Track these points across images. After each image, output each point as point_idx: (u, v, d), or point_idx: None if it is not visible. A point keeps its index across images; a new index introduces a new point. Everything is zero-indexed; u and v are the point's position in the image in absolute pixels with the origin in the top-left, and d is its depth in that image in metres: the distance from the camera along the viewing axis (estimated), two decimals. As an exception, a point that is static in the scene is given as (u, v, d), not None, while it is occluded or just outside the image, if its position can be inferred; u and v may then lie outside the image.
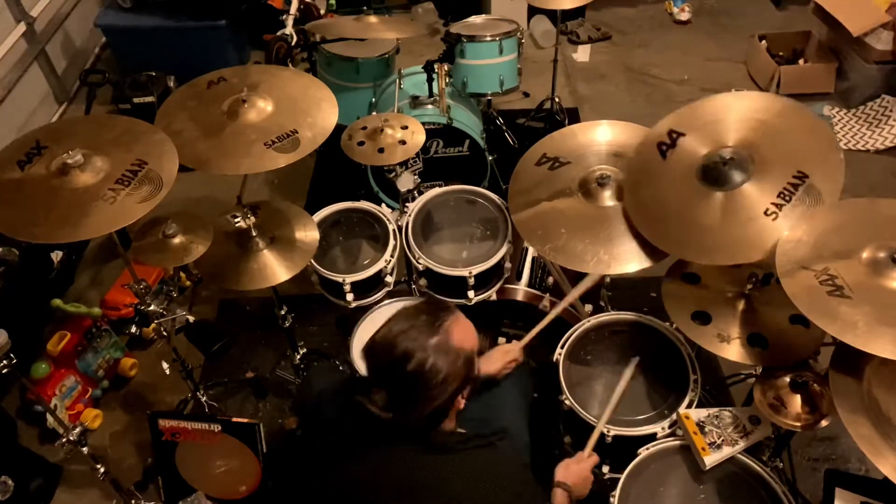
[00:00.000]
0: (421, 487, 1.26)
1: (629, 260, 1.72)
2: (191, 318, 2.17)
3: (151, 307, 2.02)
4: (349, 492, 1.30)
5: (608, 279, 2.31)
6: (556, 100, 3.65)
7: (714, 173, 1.65)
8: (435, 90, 2.95)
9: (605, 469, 1.78)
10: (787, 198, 1.55)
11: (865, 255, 1.41)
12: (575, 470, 1.57)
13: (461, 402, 1.31)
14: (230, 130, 1.81)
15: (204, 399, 2.44)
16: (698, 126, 1.78)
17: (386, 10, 4.83)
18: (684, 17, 4.65)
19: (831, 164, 1.57)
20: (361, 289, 2.13)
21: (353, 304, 2.14)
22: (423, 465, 1.28)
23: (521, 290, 2.22)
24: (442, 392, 1.25)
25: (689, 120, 1.80)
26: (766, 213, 1.55)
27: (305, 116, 1.86)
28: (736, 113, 1.76)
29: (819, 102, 3.82)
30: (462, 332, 1.32)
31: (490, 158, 3.07)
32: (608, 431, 1.67)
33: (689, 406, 1.69)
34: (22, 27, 3.63)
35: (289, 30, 4.12)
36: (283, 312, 2.25)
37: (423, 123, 2.31)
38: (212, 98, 1.90)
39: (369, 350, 1.28)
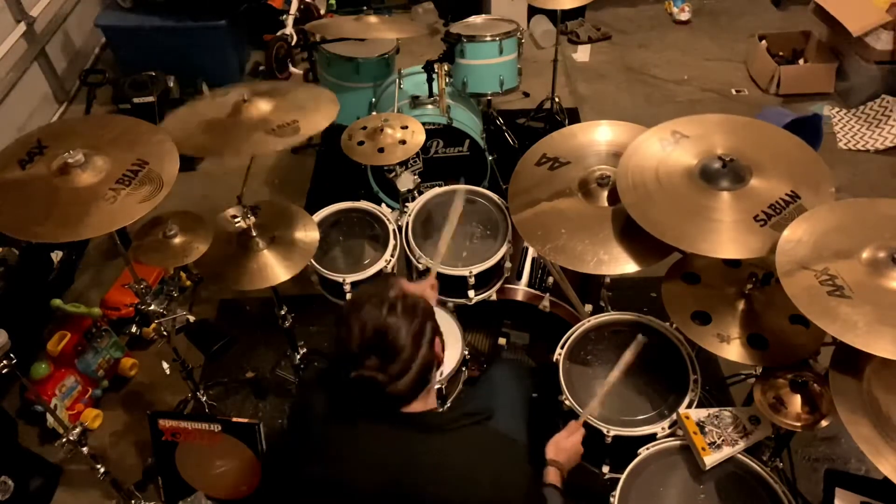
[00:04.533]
0: (415, 467, 1.27)
1: (629, 260, 1.72)
2: (191, 318, 2.17)
3: (151, 307, 2.02)
4: (343, 479, 1.31)
5: (608, 279, 2.32)
6: (556, 100, 3.65)
7: (714, 173, 1.69)
8: (435, 90, 2.95)
9: (605, 469, 1.79)
10: (778, 210, 1.60)
11: (865, 255, 1.41)
12: (565, 447, 1.62)
13: (441, 354, 1.35)
14: (232, 125, 1.82)
15: (204, 399, 2.44)
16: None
17: (386, 10, 4.83)
18: (684, 17, 4.66)
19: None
20: (361, 289, 2.13)
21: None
22: (414, 445, 1.28)
23: (521, 289, 2.22)
24: (420, 338, 1.27)
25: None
26: (755, 218, 1.58)
27: (305, 112, 1.86)
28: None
29: (819, 102, 3.83)
30: (410, 285, 1.37)
31: (490, 158, 3.07)
32: (608, 432, 1.67)
33: (689, 406, 1.69)
34: (22, 27, 3.63)
35: (289, 30, 4.13)
36: (283, 312, 2.25)
37: (423, 123, 2.31)
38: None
39: (343, 328, 1.29)
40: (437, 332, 1.34)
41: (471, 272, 2.01)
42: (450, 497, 1.25)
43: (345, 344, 1.26)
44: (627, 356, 1.70)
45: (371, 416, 1.31)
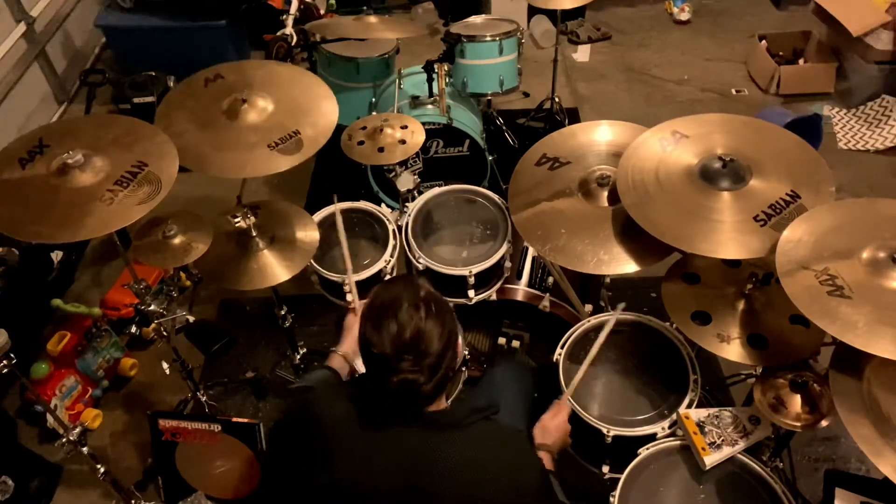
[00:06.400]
0: (424, 467, 1.27)
1: (629, 260, 1.72)
2: (191, 318, 2.17)
3: (151, 307, 2.02)
4: (361, 481, 1.31)
5: (608, 279, 2.31)
6: (556, 100, 3.65)
7: (714, 173, 1.69)
8: (435, 90, 2.95)
9: (605, 469, 1.78)
10: (778, 210, 1.59)
11: (865, 255, 1.41)
12: (552, 428, 1.63)
13: (461, 354, 1.37)
14: (232, 131, 1.81)
15: (204, 399, 2.44)
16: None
17: (386, 10, 4.83)
18: (684, 17, 4.66)
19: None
20: (362, 289, 2.12)
21: (353, 305, 2.14)
22: (429, 443, 1.29)
23: (521, 289, 2.22)
24: (448, 339, 1.27)
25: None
26: (755, 218, 1.58)
27: (306, 115, 1.86)
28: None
29: (819, 102, 3.83)
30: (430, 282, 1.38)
31: (490, 158, 3.07)
32: (608, 432, 1.67)
33: (689, 406, 1.69)
34: (22, 27, 3.63)
35: (289, 30, 4.13)
36: (283, 312, 2.25)
37: (423, 123, 2.31)
38: (210, 97, 1.90)
39: (375, 331, 1.26)
40: (459, 332, 1.35)
41: (471, 272, 2.01)
42: (469, 493, 1.26)
43: (376, 346, 1.25)
44: (607, 327, 1.74)
45: (387, 417, 1.31)
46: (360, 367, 1.71)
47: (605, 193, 1.84)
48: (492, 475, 1.27)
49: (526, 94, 3.97)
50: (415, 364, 1.23)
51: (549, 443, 1.61)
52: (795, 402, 1.52)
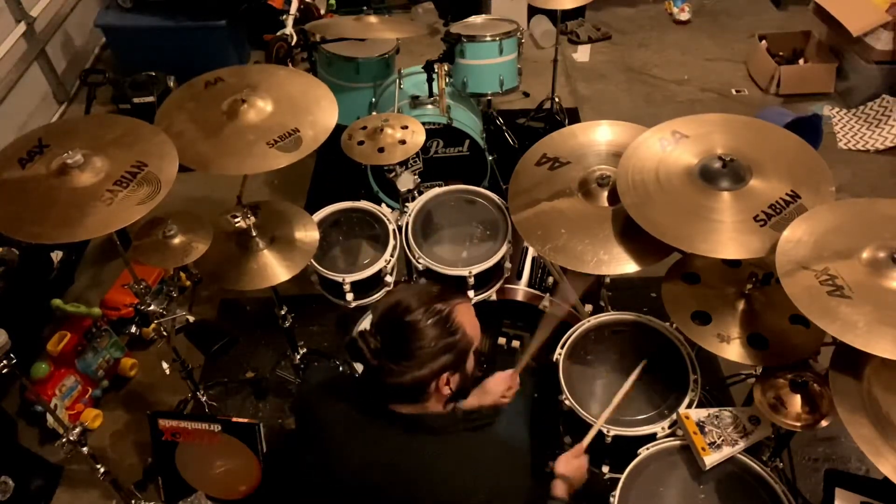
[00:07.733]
0: (409, 469, 1.27)
1: (629, 260, 1.72)
2: (191, 318, 2.17)
3: (151, 307, 2.02)
4: (342, 480, 1.31)
5: (608, 279, 2.31)
6: (556, 100, 3.65)
7: (714, 173, 1.69)
8: (435, 90, 2.95)
9: (605, 469, 1.78)
10: (778, 210, 1.59)
11: (865, 255, 1.41)
12: (575, 464, 1.63)
13: (445, 388, 1.31)
14: (231, 130, 1.81)
15: (204, 399, 2.44)
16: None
17: (386, 10, 4.83)
18: (684, 17, 4.66)
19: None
20: (361, 289, 2.13)
21: (353, 304, 2.14)
22: (411, 447, 1.29)
23: (521, 290, 2.22)
24: (429, 359, 1.26)
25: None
26: (755, 218, 1.58)
27: (306, 115, 1.86)
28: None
29: (819, 102, 3.83)
30: (466, 316, 1.33)
31: (490, 158, 3.07)
32: (608, 432, 1.67)
33: (689, 406, 1.69)
34: (22, 27, 3.63)
35: (289, 30, 4.13)
36: (283, 312, 2.25)
37: (423, 123, 2.30)
38: (210, 98, 1.90)
39: (377, 305, 1.32)
40: (451, 370, 1.30)
41: (470, 272, 2.01)
42: (445, 500, 1.25)
43: (376, 308, 1.29)
44: (629, 381, 1.73)
45: (370, 412, 1.31)
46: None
47: (605, 193, 1.84)
48: (469, 487, 1.26)
49: (526, 94, 3.97)
50: (380, 347, 1.24)
51: (569, 475, 1.60)
52: (795, 402, 1.52)
